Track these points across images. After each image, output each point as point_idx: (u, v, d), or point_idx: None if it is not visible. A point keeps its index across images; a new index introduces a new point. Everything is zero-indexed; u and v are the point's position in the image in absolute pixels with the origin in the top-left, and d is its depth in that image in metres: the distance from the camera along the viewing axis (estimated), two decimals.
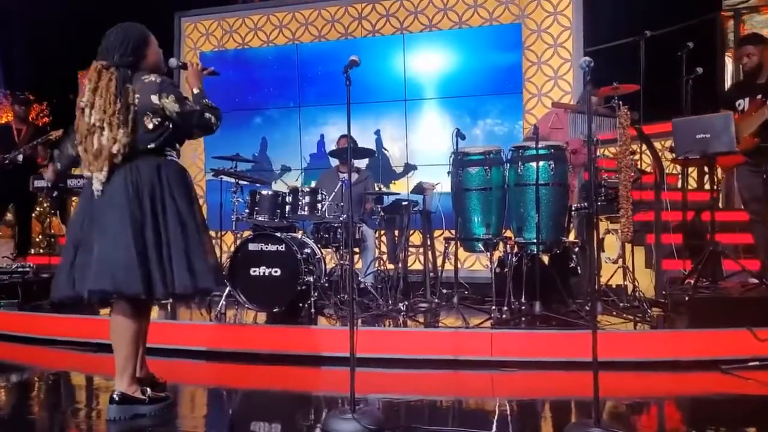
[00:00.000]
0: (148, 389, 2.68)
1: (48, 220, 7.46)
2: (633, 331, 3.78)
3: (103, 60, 2.59)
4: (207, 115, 2.63)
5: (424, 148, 6.53)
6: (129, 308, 2.55)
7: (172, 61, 2.92)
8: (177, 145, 2.74)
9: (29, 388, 3.46)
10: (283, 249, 4.38)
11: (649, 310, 4.07)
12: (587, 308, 4.13)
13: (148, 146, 2.59)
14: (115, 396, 2.57)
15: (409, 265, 5.22)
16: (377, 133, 6.48)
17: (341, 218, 4.63)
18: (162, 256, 2.50)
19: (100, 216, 2.52)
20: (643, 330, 3.82)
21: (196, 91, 2.70)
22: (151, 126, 2.58)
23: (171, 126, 2.63)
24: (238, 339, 3.93)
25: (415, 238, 5.78)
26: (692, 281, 4.04)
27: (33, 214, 6.80)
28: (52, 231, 7.12)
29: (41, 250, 7.13)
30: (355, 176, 5.26)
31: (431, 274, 5.03)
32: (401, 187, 6.23)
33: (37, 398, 3.22)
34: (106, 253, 2.45)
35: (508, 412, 2.90)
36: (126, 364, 2.58)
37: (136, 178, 2.53)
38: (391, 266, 5.13)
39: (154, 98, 2.56)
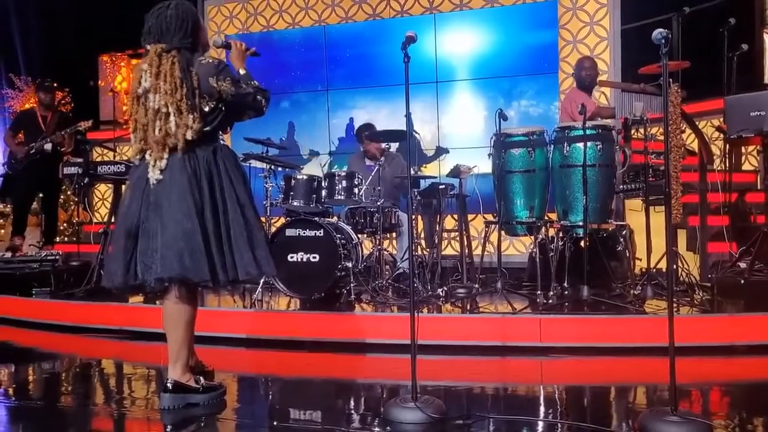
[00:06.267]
0: (202, 378, 2.61)
1: (73, 207, 7.40)
2: (688, 316, 3.65)
3: (159, 42, 2.49)
4: (259, 97, 2.57)
5: (456, 130, 6.38)
6: (185, 294, 2.48)
7: (217, 40, 2.90)
8: (228, 129, 2.66)
9: (74, 377, 3.39)
10: (322, 234, 4.30)
11: (698, 295, 3.95)
12: (634, 292, 4.04)
13: (204, 129, 2.50)
14: (168, 384, 2.51)
15: (441, 249, 5.11)
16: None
17: (378, 203, 4.54)
18: (222, 242, 2.44)
19: (161, 201, 2.44)
20: (699, 315, 3.70)
21: (242, 72, 2.64)
22: (207, 109, 2.51)
23: (224, 109, 2.55)
24: (282, 326, 3.86)
25: (448, 222, 5.66)
26: (742, 264, 3.93)
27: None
28: (79, 219, 7.05)
29: (65, 239, 7.08)
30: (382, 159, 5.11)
31: (467, 259, 4.92)
32: (432, 171, 6.11)
33: (85, 388, 3.16)
34: (172, 239, 2.38)
35: (568, 400, 2.81)
36: (180, 351, 2.50)
37: (194, 163, 2.46)
38: (427, 251, 5.03)
39: (212, 81, 2.48)
